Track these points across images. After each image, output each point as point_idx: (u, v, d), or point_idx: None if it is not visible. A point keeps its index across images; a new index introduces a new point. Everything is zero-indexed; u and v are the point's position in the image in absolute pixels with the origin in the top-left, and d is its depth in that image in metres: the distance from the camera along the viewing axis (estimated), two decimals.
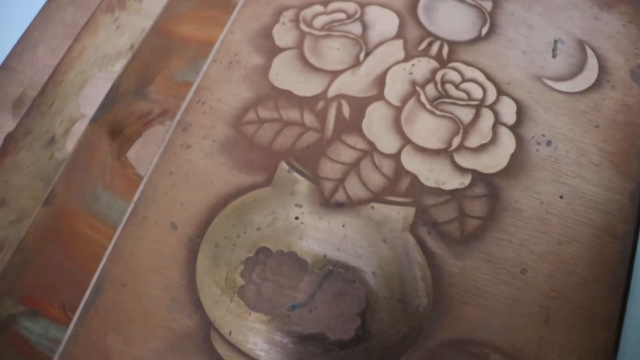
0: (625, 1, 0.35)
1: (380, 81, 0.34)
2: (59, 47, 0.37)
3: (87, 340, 0.30)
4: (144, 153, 0.33)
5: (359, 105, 0.33)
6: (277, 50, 0.35)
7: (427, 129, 0.32)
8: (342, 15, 0.36)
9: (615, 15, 0.35)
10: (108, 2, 0.38)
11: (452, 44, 0.34)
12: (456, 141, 0.32)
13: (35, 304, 0.32)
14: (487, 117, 0.32)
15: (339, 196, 0.31)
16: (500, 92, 0.33)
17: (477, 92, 0.33)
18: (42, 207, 0.33)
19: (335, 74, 0.34)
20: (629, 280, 0.29)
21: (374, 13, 0.36)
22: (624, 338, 0.29)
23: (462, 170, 0.31)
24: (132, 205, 0.32)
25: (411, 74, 0.34)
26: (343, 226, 0.30)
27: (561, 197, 0.31)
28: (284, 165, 0.32)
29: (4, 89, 0.36)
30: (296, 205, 0.31)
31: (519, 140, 0.32)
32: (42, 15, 0.38)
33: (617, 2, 0.35)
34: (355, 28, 0.35)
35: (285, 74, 0.34)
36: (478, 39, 0.35)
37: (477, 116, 0.32)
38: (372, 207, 0.31)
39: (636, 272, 0.30)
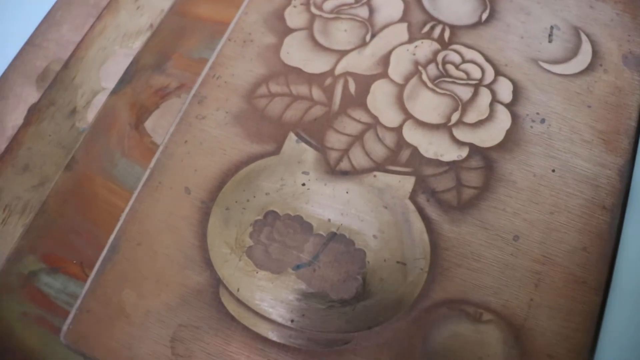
0: None
1: (385, 61, 0.36)
2: (82, 25, 0.40)
3: (103, 295, 0.32)
4: (160, 123, 0.36)
5: (364, 82, 0.36)
6: (289, 31, 0.38)
7: (428, 105, 0.35)
8: (350, 0, 0.38)
9: (610, 5, 0.38)
10: None
11: (454, 28, 0.37)
12: (455, 117, 0.34)
13: (55, 261, 0.34)
14: (484, 96, 0.35)
15: (344, 165, 0.34)
16: (498, 73, 0.36)
17: (476, 73, 0.36)
18: (63, 173, 0.36)
19: (343, 53, 0.37)
20: (616, 248, 0.32)
21: None
22: (611, 302, 0.31)
23: (460, 143, 0.34)
24: (148, 171, 0.35)
25: (414, 54, 0.36)
26: (347, 193, 0.33)
27: (553, 170, 0.33)
28: (292, 135, 0.35)
29: (30, 64, 0.39)
30: (303, 172, 0.34)
31: (515, 117, 0.34)
32: None
33: None
34: (363, 11, 0.38)
35: (296, 53, 0.37)
36: (478, 24, 0.37)
37: (475, 94, 0.35)
38: (375, 176, 0.33)
39: (623, 242, 0.32)
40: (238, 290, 0.32)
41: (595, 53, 0.36)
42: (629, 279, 0.32)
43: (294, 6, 0.39)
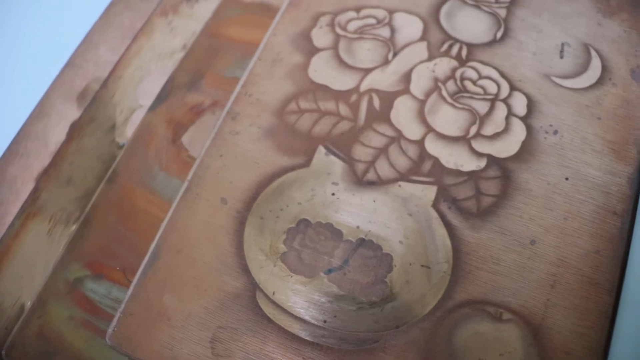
0: (626, 9, 0.42)
1: (407, 78, 0.40)
2: (118, 46, 0.44)
3: (146, 300, 0.36)
4: (196, 138, 0.40)
5: (388, 98, 0.39)
6: (315, 50, 0.41)
7: (448, 119, 0.38)
8: (373, 21, 0.42)
9: (617, 22, 0.41)
10: (162, 8, 0.45)
11: (470, 46, 0.41)
12: (473, 130, 0.38)
13: (99, 268, 0.38)
14: (500, 109, 0.38)
15: (370, 176, 0.37)
16: (513, 88, 0.39)
17: (492, 88, 0.39)
18: (104, 185, 0.40)
19: (367, 71, 0.40)
20: (627, 251, 0.35)
21: (401, 19, 0.42)
22: (623, 301, 0.34)
23: (479, 154, 0.37)
24: (186, 183, 0.38)
25: (434, 71, 0.40)
26: (374, 201, 0.36)
27: (566, 179, 0.37)
28: (321, 149, 0.38)
29: (70, 83, 0.43)
30: (332, 183, 0.37)
31: (529, 129, 0.38)
32: (103, 20, 0.45)
33: (619, 10, 0.42)
34: (385, 32, 0.42)
35: (323, 71, 0.41)
36: (493, 42, 0.41)
37: (492, 108, 0.39)
38: (399, 186, 0.37)
39: (634, 245, 0.35)
40: (273, 293, 0.35)
41: (604, 68, 0.40)
42: None
43: (320, 27, 0.42)
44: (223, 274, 0.36)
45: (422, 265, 0.35)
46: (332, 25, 0.43)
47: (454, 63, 0.40)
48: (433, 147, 0.38)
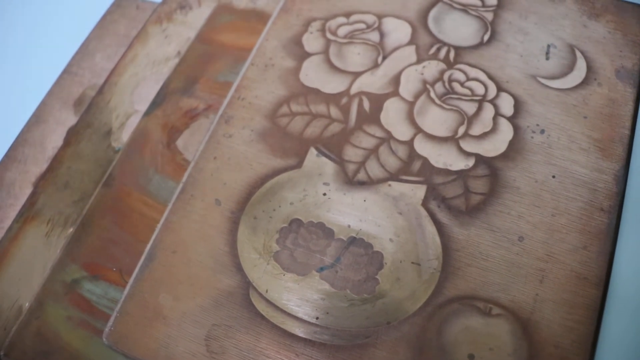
0: (611, 11, 0.43)
1: (396, 80, 0.42)
2: (114, 54, 0.46)
3: (142, 299, 0.37)
4: (191, 141, 0.41)
5: (378, 101, 0.41)
6: (307, 55, 0.43)
7: (436, 119, 0.40)
8: (362, 25, 0.44)
9: (602, 24, 0.43)
10: (157, 16, 0.47)
11: (458, 49, 0.42)
12: (461, 130, 0.39)
13: (96, 269, 0.39)
14: (488, 110, 0.40)
15: (361, 176, 0.39)
16: (500, 89, 0.41)
17: (479, 89, 0.41)
18: (101, 188, 0.41)
19: (357, 74, 0.42)
20: (614, 246, 0.36)
21: (389, 23, 0.44)
22: (610, 296, 0.35)
23: (467, 154, 0.39)
24: (181, 185, 0.40)
25: (422, 74, 0.42)
26: (364, 201, 0.38)
27: (553, 176, 0.38)
28: (313, 150, 0.39)
29: (67, 90, 0.45)
30: (324, 183, 0.38)
31: (516, 129, 0.39)
32: (99, 28, 0.47)
33: (604, 12, 0.43)
34: (374, 36, 0.43)
35: (314, 75, 0.42)
36: (480, 45, 0.43)
37: (479, 109, 0.40)
38: (389, 185, 0.38)
39: (620, 240, 0.37)
40: (267, 291, 0.36)
41: (589, 68, 0.41)
42: (627, 274, 0.36)
43: (311, 32, 0.44)
44: (217, 273, 0.37)
45: (413, 263, 0.36)
46: (322, 30, 0.44)
47: (442, 65, 0.42)
48: (422, 147, 0.39)
